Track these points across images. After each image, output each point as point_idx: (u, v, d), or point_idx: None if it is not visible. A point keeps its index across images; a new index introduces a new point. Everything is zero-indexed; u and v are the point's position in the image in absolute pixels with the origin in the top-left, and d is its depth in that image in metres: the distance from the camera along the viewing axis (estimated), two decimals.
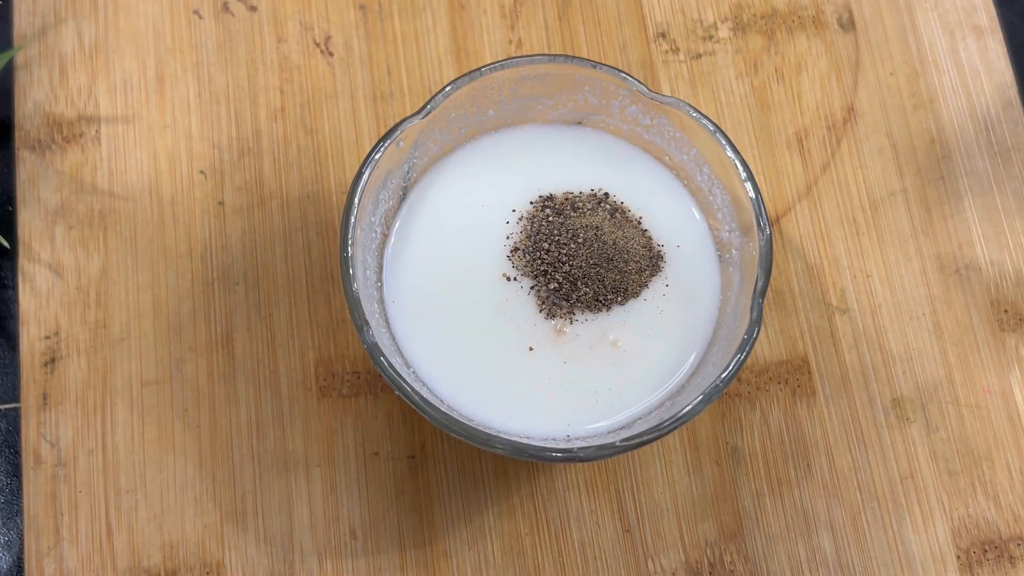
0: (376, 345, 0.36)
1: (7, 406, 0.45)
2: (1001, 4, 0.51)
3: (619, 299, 0.40)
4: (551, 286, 0.40)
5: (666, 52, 0.50)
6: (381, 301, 0.41)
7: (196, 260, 0.46)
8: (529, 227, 0.41)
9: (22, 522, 0.43)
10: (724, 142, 0.39)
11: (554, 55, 0.40)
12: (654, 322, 0.41)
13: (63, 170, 0.47)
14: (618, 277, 0.40)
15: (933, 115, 0.49)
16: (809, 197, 0.48)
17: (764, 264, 0.38)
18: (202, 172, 0.47)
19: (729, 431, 0.45)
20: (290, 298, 0.46)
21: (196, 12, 0.49)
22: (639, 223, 0.42)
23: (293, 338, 0.45)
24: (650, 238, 0.42)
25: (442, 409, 0.36)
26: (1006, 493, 0.44)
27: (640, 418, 0.39)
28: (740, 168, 0.39)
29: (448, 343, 0.40)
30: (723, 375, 0.36)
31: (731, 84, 0.49)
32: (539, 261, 0.40)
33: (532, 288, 0.41)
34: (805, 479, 0.44)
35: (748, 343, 0.36)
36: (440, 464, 0.44)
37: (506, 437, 0.36)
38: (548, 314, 0.40)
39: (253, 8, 0.50)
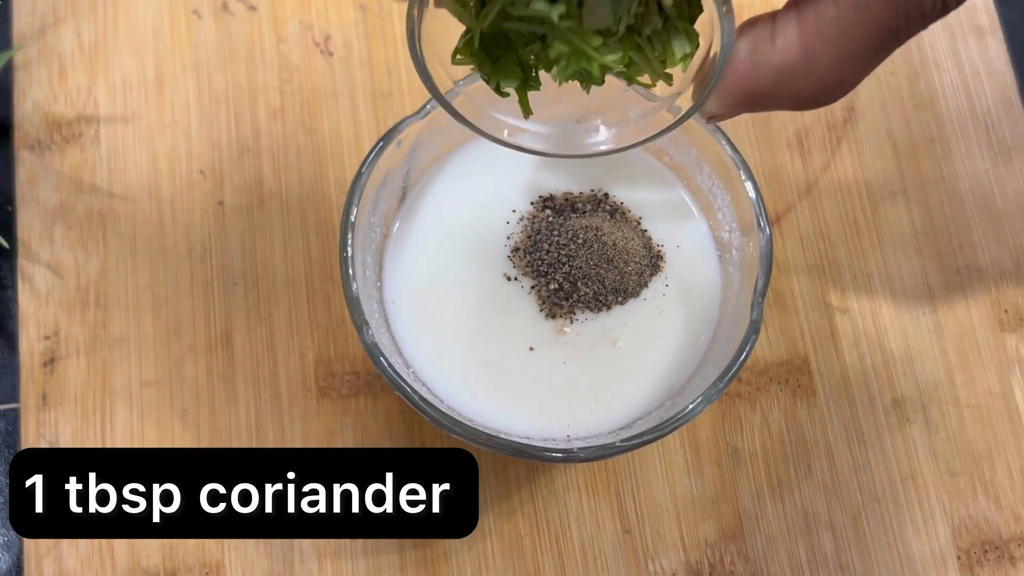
0: (376, 345, 0.36)
1: (6, 406, 0.45)
2: (1001, 4, 0.51)
3: (619, 299, 0.40)
4: (551, 286, 0.40)
5: None
6: (381, 301, 0.41)
7: (195, 260, 0.46)
8: (529, 227, 0.41)
9: None
10: (724, 142, 0.39)
11: None
12: (654, 322, 0.41)
13: (62, 170, 0.47)
14: (618, 277, 0.40)
15: (933, 115, 0.49)
16: (809, 197, 0.48)
17: (764, 264, 0.38)
18: (201, 172, 0.47)
19: (729, 431, 0.45)
20: (290, 298, 0.45)
21: (195, 12, 0.49)
22: (639, 223, 0.42)
23: (293, 338, 0.45)
24: (650, 238, 0.42)
25: (442, 409, 0.36)
26: (1007, 493, 0.44)
27: (640, 418, 0.39)
28: (740, 168, 0.39)
29: (448, 343, 0.40)
30: (723, 375, 0.36)
31: None
32: (539, 261, 0.40)
33: (532, 288, 0.41)
34: (805, 479, 0.44)
35: (748, 343, 0.36)
36: None
37: (506, 437, 0.36)
38: (548, 314, 0.40)
39: (252, 8, 0.50)
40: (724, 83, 0.28)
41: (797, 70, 0.26)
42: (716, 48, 0.28)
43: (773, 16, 0.28)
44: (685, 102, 0.30)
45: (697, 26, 0.28)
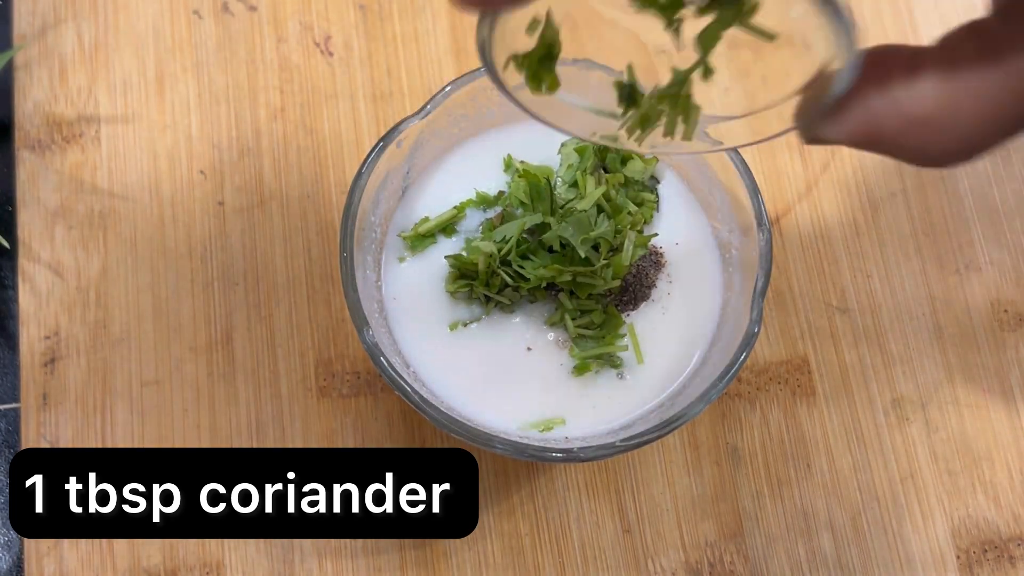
0: (376, 345, 0.36)
1: (7, 406, 0.45)
2: None
3: (631, 306, 0.40)
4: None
5: None
6: (381, 301, 0.41)
7: (196, 260, 0.46)
8: None
9: None
10: None
11: None
12: (656, 322, 0.41)
13: (63, 170, 0.47)
14: (624, 286, 0.40)
15: None
16: (809, 197, 0.48)
17: (764, 264, 0.38)
18: (202, 172, 0.47)
19: (729, 431, 0.45)
20: (290, 298, 0.46)
21: (196, 12, 0.49)
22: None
23: (293, 338, 0.45)
24: (652, 240, 0.42)
25: (441, 409, 0.36)
26: (1006, 493, 0.44)
27: (640, 418, 0.39)
28: (740, 168, 0.39)
29: (448, 343, 0.40)
30: (723, 375, 0.36)
31: None
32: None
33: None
34: (805, 479, 0.44)
35: (748, 343, 0.36)
36: None
37: (506, 437, 0.36)
38: (548, 321, 0.40)
39: (253, 8, 0.50)
40: (846, 110, 0.24)
41: (931, 122, 0.23)
42: (834, 65, 0.24)
43: (914, 53, 0.24)
44: (779, 120, 0.26)
45: (811, 37, 0.24)
